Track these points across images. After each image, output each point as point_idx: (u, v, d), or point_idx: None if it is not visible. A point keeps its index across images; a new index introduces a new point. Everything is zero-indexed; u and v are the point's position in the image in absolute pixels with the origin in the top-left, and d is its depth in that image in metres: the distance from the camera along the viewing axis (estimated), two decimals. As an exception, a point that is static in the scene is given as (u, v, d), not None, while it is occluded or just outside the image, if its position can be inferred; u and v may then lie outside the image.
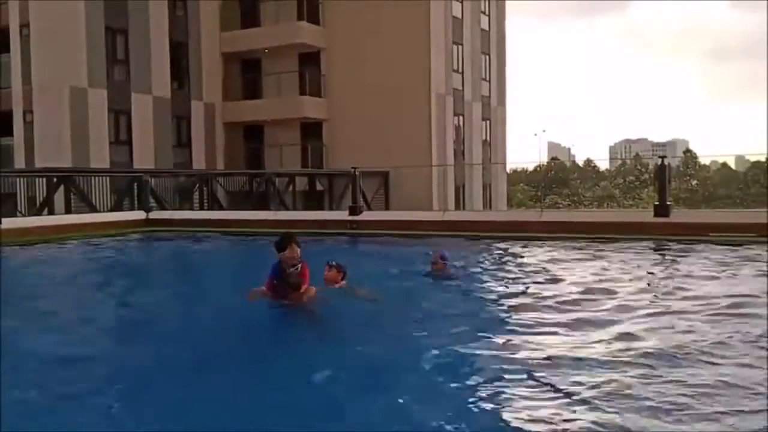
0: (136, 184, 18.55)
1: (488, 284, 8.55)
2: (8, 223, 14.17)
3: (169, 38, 27.70)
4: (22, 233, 13.90)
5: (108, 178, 19.98)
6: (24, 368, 4.87)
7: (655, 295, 7.22)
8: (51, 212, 17.33)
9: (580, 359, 4.72)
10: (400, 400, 4.13)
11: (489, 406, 4.04)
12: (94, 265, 11.85)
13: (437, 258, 8.51)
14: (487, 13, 33.48)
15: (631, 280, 8.24)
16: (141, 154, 26.39)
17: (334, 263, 7.20)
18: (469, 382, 4.51)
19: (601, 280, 8.14)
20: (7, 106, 25.58)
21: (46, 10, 24.23)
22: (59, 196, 17.95)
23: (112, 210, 18.19)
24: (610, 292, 7.26)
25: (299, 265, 6.47)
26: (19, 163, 24.96)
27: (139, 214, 17.14)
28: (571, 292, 7.31)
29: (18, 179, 19.91)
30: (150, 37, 26.92)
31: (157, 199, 18.58)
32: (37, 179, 19.19)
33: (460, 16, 30.61)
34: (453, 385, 4.52)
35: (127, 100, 26.19)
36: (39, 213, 17.36)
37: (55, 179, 18.12)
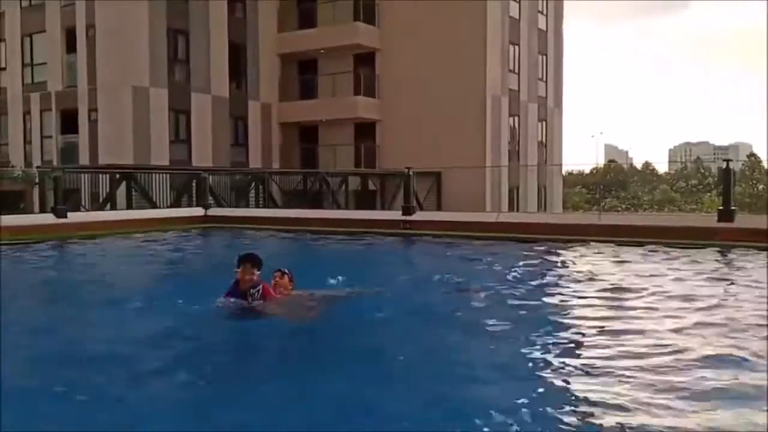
0: (195, 181, 18.96)
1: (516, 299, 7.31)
2: (73, 217, 14.69)
3: (228, 39, 28.23)
4: (86, 227, 14.38)
5: (168, 176, 20.50)
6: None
7: None
8: (113, 207, 17.88)
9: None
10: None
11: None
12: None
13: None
14: (544, 12, 33.01)
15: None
16: (199, 153, 26.98)
17: (286, 270, 6.68)
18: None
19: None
20: (74, 104, 26.52)
21: (111, 11, 25.01)
22: (121, 192, 18.51)
23: (171, 206, 18.68)
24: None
25: (259, 287, 6.09)
26: (84, 159, 25.84)
27: (197, 211, 17.51)
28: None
29: (82, 175, 20.60)
30: (210, 39, 27.49)
31: (214, 196, 18.95)
32: (100, 176, 19.80)
33: (517, 16, 30.24)
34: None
35: (186, 99, 26.80)
36: (102, 208, 17.94)
37: (117, 176, 18.71)
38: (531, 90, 31.59)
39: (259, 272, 6.13)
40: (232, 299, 6.12)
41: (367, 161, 29.71)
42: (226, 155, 28.13)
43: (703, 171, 57.34)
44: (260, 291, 6.08)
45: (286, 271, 6.67)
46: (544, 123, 33.08)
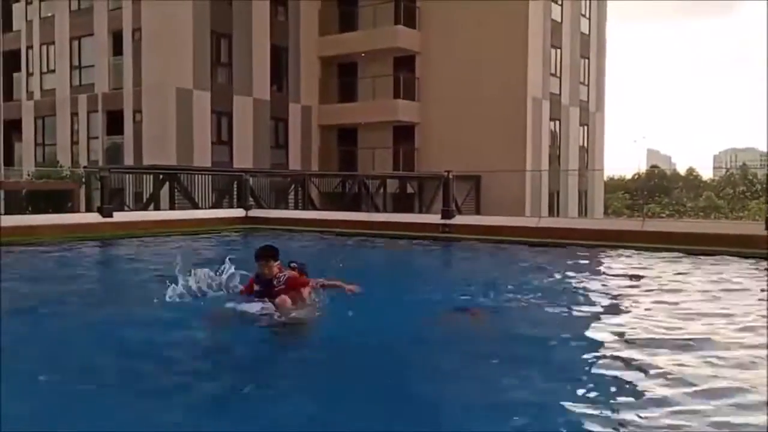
0: (236, 182, 19.18)
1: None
2: (118, 216, 14.99)
3: (270, 42, 28.51)
4: (131, 227, 14.65)
5: (210, 177, 20.78)
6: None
7: None
8: (156, 207, 18.19)
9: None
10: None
11: None
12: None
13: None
14: (587, 16, 32.58)
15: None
16: (240, 154, 27.29)
17: (295, 264, 6.61)
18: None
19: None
20: (119, 106, 27.09)
21: (156, 15, 25.48)
22: (164, 193, 18.82)
23: (213, 207, 18.93)
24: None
25: (282, 276, 6.23)
26: (128, 160, 26.34)
27: (239, 212, 17.72)
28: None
29: (127, 175, 21.01)
30: (252, 42, 27.81)
31: (255, 197, 19.14)
32: (144, 176, 20.16)
33: (559, 19, 29.91)
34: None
35: (229, 101, 27.15)
36: (145, 208, 18.26)
37: (161, 176, 19.03)
38: (572, 94, 31.19)
39: (277, 262, 6.31)
40: (256, 287, 6.29)
41: (405, 164, 29.69)
42: (266, 157, 28.39)
43: (750, 177, 55.74)
44: (282, 280, 6.22)
45: (295, 265, 6.55)
46: (585, 127, 32.63)
